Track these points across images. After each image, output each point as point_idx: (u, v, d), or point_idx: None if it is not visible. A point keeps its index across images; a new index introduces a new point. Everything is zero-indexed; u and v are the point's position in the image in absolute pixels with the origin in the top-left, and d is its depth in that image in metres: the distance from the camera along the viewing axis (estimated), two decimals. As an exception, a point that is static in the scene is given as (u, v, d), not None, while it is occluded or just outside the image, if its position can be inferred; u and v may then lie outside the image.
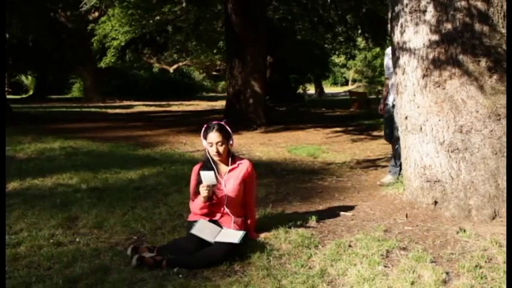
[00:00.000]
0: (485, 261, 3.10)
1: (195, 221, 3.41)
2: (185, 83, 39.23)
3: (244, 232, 3.36)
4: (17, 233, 3.75)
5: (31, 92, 32.98)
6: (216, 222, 3.47)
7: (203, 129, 3.55)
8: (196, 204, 3.49)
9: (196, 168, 3.61)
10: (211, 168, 3.46)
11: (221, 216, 3.52)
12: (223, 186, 3.51)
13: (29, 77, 34.28)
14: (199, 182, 3.44)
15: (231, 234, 3.30)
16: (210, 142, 3.48)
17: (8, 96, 17.02)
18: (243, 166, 3.58)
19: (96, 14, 20.26)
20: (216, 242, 3.21)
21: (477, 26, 3.99)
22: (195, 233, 3.25)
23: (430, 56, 4.17)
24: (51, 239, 3.61)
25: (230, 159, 3.59)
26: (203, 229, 3.32)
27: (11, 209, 4.37)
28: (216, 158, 3.53)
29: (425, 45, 4.20)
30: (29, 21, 14.09)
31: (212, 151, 3.49)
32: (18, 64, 26.04)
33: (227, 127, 3.54)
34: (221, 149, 3.48)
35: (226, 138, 3.50)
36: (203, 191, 3.37)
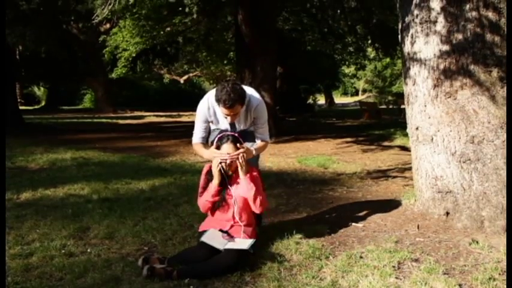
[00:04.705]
0: (499, 274, 3.06)
1: (206, 231, 3.42)
2: (195, 93, 39.43)
3: (254, 240, 3.37)
4: (29, 244, 3.76)
5: (43, 103, 33.34)
6: (226, 233, 3.48)
7: (216, 139, 3.58)
8: (208, 193, 3.52)
9: (206, 168, 3.64)
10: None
11: (231, 227, 3.53)
12: (233, 192, 3.52)
13: (41, 88, 34.68)
14: (209, 181, 3.51)
15: (241, 242, 3.32)
16: (224, 153, 3.52)
17: (20, 107, 17.18)
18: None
19: (108, 25, 20.48)
20: (225, 250, 3.22)
21: (488, 36, 3.99)
22: (205, 241, 3.26)
23: (441, 67, 4.16)
24: (62, 249, 3.63)
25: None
26: (213, 237, 3.33)
27: (23, 220, 4.41)
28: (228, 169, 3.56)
29: (436, 56, 4.19)
30: (42, 33, 14.26)
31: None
32: (31, 75, 26.36)
33: (240, 139, 3.57)
34: (234, 160, 3.51)
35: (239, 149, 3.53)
36: (216, 165, 3.43)
